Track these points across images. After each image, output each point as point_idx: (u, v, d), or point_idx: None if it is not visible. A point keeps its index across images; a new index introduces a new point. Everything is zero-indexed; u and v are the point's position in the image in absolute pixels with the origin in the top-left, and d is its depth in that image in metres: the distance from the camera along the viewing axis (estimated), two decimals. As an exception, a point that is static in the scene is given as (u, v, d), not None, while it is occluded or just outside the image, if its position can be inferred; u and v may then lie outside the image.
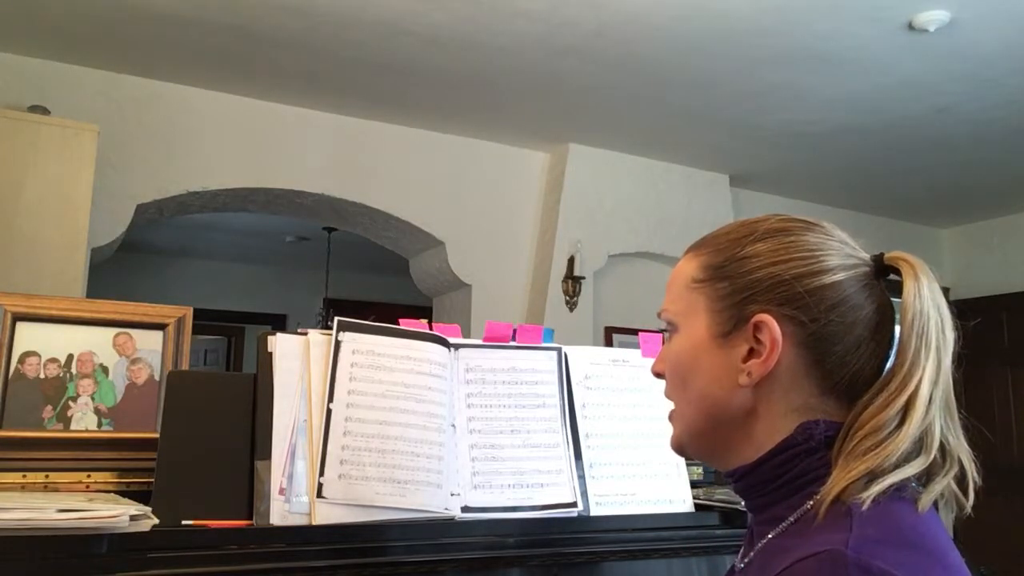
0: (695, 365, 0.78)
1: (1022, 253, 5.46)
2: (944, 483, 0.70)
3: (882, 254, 0.77)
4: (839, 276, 0.74)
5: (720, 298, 0.77)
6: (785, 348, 0.73)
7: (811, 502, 0.69)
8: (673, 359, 0.81)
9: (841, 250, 0.76)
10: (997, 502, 5.11)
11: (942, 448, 0.71)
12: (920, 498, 0.69)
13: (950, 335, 0.73)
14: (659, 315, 0.83)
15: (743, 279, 0.76)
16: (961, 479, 0.71)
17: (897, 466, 0.68)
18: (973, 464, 0.72)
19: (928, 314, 0.71)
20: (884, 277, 0.76)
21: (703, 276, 0.79)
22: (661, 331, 0.85)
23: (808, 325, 0.73)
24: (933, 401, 0.70)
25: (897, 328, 0.74)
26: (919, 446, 0.70)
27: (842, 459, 0.69)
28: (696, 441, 0.81)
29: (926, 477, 0.70)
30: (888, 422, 0.69)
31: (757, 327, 0.74)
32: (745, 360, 0.74)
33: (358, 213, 4.26)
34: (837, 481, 0.67)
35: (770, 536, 0.72)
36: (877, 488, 0.66)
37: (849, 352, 0.73)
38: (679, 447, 0.83)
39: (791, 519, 0.70)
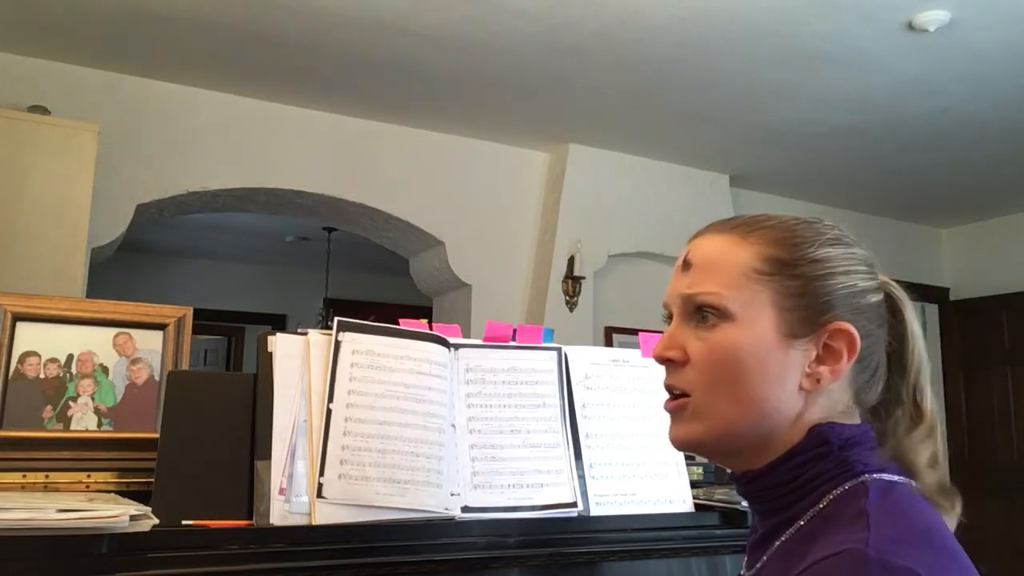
0: (755, 363, 0.73)
1: (1022, 253, 5.46)
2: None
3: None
4: (880, 296, 0.78)
5: (793, 296, 0.73)
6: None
7: (824, 502, 0.70)
8: (722, 352, 0.74)
9: (876, 268, 0.80)
10: (998, 502, 5.11)
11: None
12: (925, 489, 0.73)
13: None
14: (694, 296, 0.76)
15: (821, 282, 0.74)
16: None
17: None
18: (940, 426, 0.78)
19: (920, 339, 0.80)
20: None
21: (769, 269, 0.74)
22: (709, 312, 0.76)
23: (864, 339, 0.74)
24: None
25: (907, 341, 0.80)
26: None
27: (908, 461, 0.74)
28: (726, 441, 0.75)
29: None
30: (922, 436, 0.76)
31: (834, 334, 0.73)
32: (815, 365, 0.73)
33: (358, 213, 4.26)
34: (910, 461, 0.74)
35: (783, 539, 0.72)
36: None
37: (880, 367, 0.77)
38: (697, 444, 0.76)
39: (802, 521, 0.71)
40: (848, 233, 0.80)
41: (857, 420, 0.76)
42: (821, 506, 0.70)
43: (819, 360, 0.73)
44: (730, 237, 0.77)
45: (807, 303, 0.73)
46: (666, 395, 0.79)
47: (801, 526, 0.70)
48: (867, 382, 0.76)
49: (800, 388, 0.73)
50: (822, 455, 0.72)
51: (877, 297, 0.77)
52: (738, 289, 0.74)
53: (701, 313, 0.75)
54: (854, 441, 0.72)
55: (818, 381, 0.73)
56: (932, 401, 0.77)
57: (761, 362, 0.72)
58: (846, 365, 0.73)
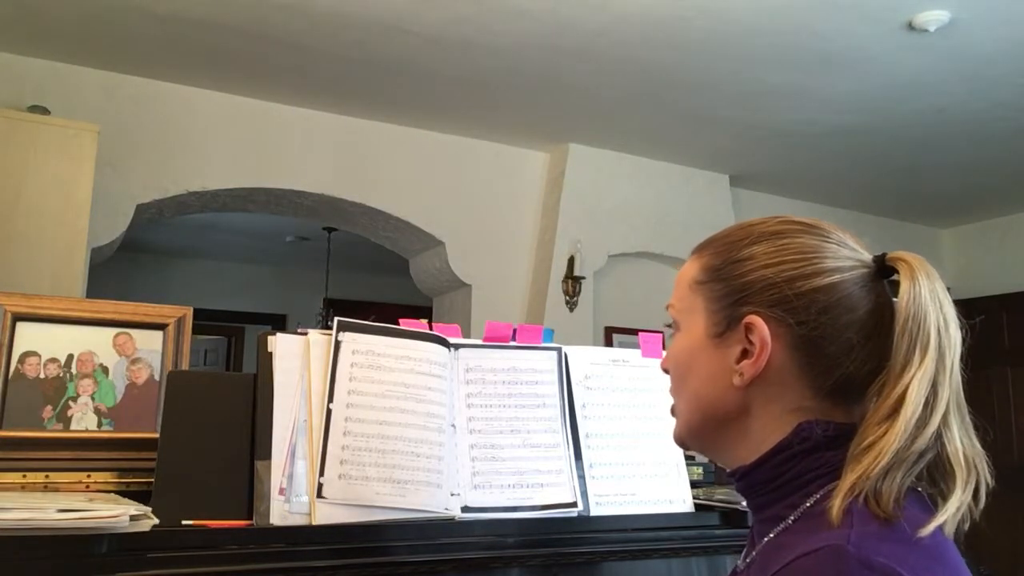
0: (692, 364, 0.80)
1: (1022, 253, 5.46)
2: (966, 496, 0.69)
3: (884, 254, 0.76)
4: (832, 279, 0.74)
5: (716, 299, 0.78)
6: (776, 349, 0.73)
7: (810, 501, 0.70)
8: (674, 357, 0.83)
9: (838, 252, 0.75)
10: (998, 502, 5.11)
11: (966, 459, 0.70)
12: (944, 517, 0.67)
13: (955, 333, 0.72)
14: (667, 308, 0.85)
15: (737, 281, 0.76)
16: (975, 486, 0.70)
17: (891, 468, 0.67)
18: (986, 466, 0.72)
19: (924, 315, 0.71)
20: (887, 278, 0.76)
21: (703, 278, 0.80)
22: (667, 326, 0.86)
23: (798, 327, 0.73)
24: (932, 404, 0.68)
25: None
26: (930, 453, 0.68)
27: (846, 465, 0.68)
28: (694, 437, 0.82)
29: (944, 490, 0.69)
30: (875, 427, 0.68)
31: (748, 328, 0.74)
32: (738, 361, 0.75)
33: (358, 213, 4.26)
34: (839, 489, 0.66)
35: (771, 535, 0.72)
36: (889, 486, 0.65)
37: (842, 355, 0.73)
38: (680, 442, 0.84)
39: (791, 518, 0.71)
40: (803, 222, 0.78)
41: (843, 414, 0.73)
42: (808, 504, 0.70)
43: (743, 355, 0.75)
44: (693, 256, 0.84)
45: (727, 303, 0.77)
46: (666, 395, 0.86)
47: (789, 523, 0.71)
48: (826, 371, 0.73)
49: (733, 384, 0.75)
50: (807, 451, 0.72)
51: (825, 281, 0.73)
52: (684, 300, 0.82)
53: (670, 325, 0.85)
54: (842, 439, 0.71)
55: (741, 375, 0.75)
56: (915, 387, 0.67)
57: (695, 363, 0.79)
58: (764, 358, 0.73)
